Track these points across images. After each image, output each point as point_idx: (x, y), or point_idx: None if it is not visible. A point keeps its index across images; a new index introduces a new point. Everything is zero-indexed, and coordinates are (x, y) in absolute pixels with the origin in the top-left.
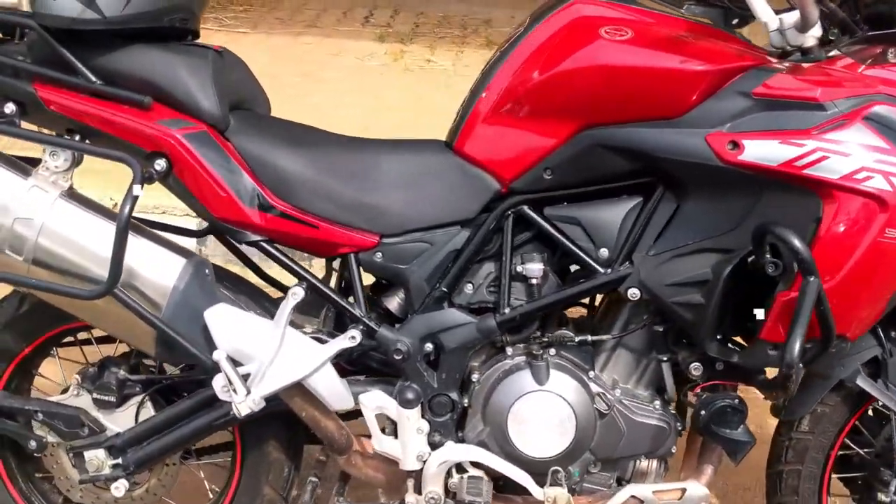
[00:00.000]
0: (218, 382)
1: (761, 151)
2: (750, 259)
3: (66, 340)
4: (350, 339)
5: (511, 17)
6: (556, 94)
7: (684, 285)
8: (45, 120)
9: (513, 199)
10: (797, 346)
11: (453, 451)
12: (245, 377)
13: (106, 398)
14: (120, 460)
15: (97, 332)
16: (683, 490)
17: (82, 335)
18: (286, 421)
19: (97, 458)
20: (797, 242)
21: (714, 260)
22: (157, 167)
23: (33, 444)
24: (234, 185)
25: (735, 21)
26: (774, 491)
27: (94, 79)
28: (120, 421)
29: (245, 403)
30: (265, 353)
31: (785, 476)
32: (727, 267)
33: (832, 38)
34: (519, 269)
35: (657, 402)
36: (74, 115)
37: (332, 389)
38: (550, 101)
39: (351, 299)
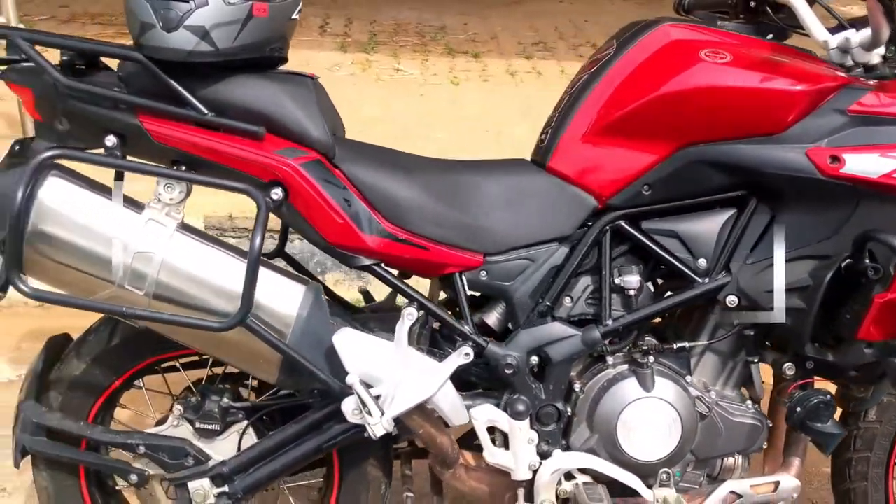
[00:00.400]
0: (349, 405)
1: (861, 165)
2: (845, 264)
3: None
4: (465, 356)
5: (464, 24)
6: (660, 114)
7: (785, 292)
8: (146, 152)
9: (610, 214)
10: None
11: (567, 459)
12: (376, 398)
13: (209, 427)
14: (227, 488)
15: (183, 360)
16: (777, 483)
17: (167, 364)
18: (382, 438)
19: (203, 487)
20: None
21: (813, 266)
22: (274, 196)
23: (135, 477)
24: (349, 212)
25: (770, 36)
26: (843, 478)
27: (205, 110)
28: (222, 449)
29: (380, 425)
30: (393, 374)
31: (854, 463)
32: (828, 272)
33: (889, 55)
34: (617, 281)
35: (749, 402)
36: (183, 146)
37: (453, 406)
38: (653, 120)
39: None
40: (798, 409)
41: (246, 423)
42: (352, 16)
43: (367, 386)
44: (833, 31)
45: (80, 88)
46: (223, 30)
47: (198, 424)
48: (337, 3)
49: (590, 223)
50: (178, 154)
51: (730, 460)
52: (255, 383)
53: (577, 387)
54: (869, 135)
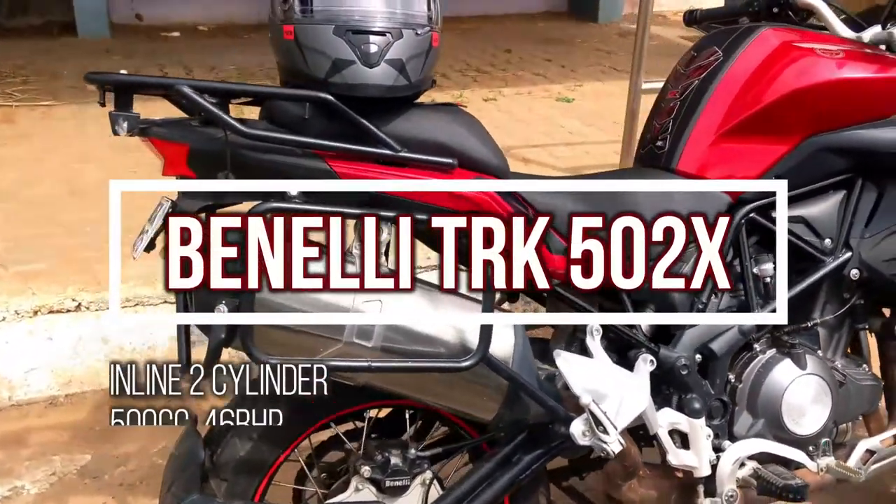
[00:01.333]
0: (578, 428)
1: None
2: None
3: None
4: (650, 363)
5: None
6: (788, 109)
7: None
8: (326, 197)
9: (744, 208)
10: None
11: (743, 447)
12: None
13: (399, 483)
14: None
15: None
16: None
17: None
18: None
19: None
20: None
21: None
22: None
23: None
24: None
25: None
26: None
27: (398, 147)
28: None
29: (616, 441)
30: (614, 390)
31: None
32: None
33: None
34: (755, 270)
35: (864, 366)
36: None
37: (653, 414)
38: (782, 116)
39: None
40: None
41: (430, 473)
42: (189, 64)
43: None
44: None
45: (268, 137)
46: (414, 62)
47: (388, 483)
48: (170, 54)
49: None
50: (370, 196)
51: (843, 425)
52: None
53: (731, 377)
54: None
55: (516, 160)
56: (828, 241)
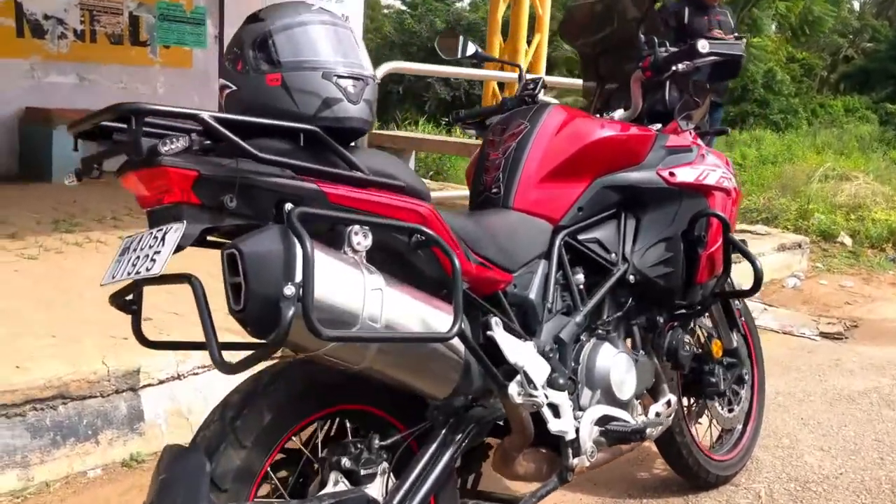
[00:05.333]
0: (514, 389)
1: (684, 175)
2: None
3: None
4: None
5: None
6: (580, 160)
7: (658, 264)
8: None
9: (562, 233)
10: None
11: (594, 412)
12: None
13: (373, 470)
14: None
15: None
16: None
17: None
18: None
19: None
20: (716, 211)
21: (669, 244)
22: (422, 237)
23: None
24: (460, 242)
25: None
26: None
27: (367, 171)
28: (374, 494)
29: (543, 396)
30: (529, 359)
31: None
32: (680, 244)
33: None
34: (574, 280)
35: (641, 351)
36: (354, 204)
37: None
38: (578, 164)
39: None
40: (673, 344)
41: (386, 464)
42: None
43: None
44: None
45: (280, 162)
46: (373, 105)
47: (363, 472)
48: None
49: (552, 241)
50: (347, 211)
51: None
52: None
53: (572, 362)
54: (677, 158)
55: None
56: (613, 255)
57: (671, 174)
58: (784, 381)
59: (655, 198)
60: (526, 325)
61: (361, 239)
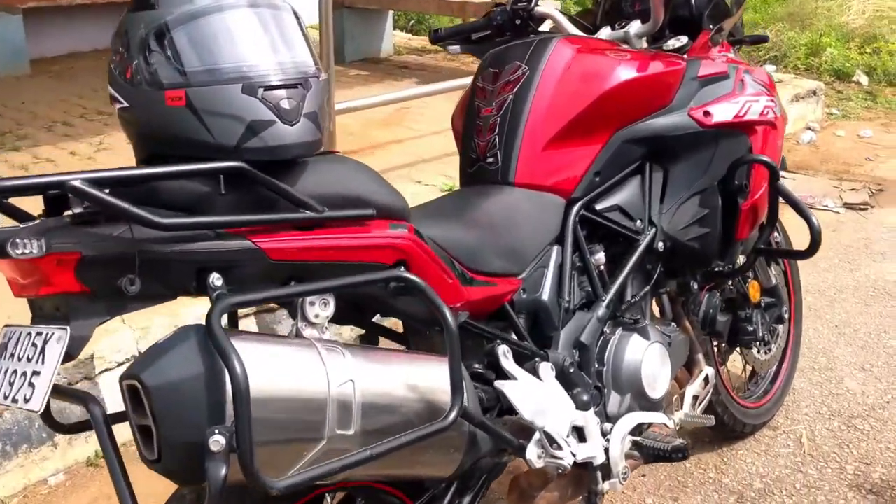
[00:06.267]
0: (533, 452)
1: (721, 113)
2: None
3: None
4: (551, 368)
5: None
6: (596, 112)
7: (692, 224)
8: (249, 277)
9: (576, 206)
10: None
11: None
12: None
13: None
14: None
15: None
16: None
17: None
18: None
19: None
20: (762, 157)
21: (703, 199)
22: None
23: None
24: (452, 269)
25: None
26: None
27: (319, 207)
28: None
29: (570, 454)
30: (550, 406)
31: None
32: (717, 198)
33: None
34: (593, 260)
35: (672, 324)
36: (306, 255)
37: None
38: (593, 118)
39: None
40: (711, 312)
41: None
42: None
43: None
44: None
45: (192, 224)
46: (320, 112)
47: None
48: None
49: (566, 219)
50: (295, 266)
51: None
52: None
53: (596, 365)
54: (712, 91)
55: None
56: (638, 222)
57: (706, 114)
58: (812, 275)
59: (687, 144)
60: (540, 336)
61: (320, 310)
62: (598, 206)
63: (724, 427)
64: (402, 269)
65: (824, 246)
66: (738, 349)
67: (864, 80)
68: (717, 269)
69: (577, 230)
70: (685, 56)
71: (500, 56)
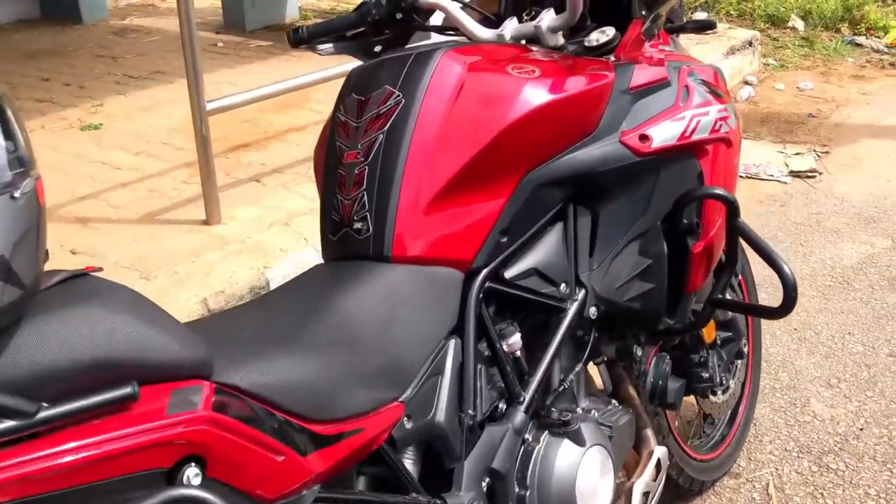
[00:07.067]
0: None
1: (663, 135)
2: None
3: None
4: None
5: None
6: (503, 151)
7: (630, 280)
8: None
9: (477, 279)
10: None
11: None
12: None
13: None
14: None
15: None
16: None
17: None
18: None
19: None
20: (719, 191)
21: (645, 245)
22: (192, 475)
23: None
24: (285, 440)
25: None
26: None
27: (31, 407)
28: None
29: None
30: None
31: None
32: (662, 244)
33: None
34: (505, 348)
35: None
36: (20, 492)
37: None
38: (497, 161)
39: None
40: (660, 384)
41: None
42: None
43: None
44: (493, 24)
45: None
46: (25, 248)
47: None
48: None
49: (465, 298)
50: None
51: None
52: None
53: (517, 489)
54: (650, 106)
55: (68, 222)
56: (563, 286)
57: (643, 138)
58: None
59: (620, 178)
60: (436, 476)
61: None
62: (509, 274)
63: (679, 488)
64: (189, 473)
65: (773, 226)
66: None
67: (800, 24)
68: (664, 329)
69: (483, 311)
70: (612, 59)
71: (365, 77)
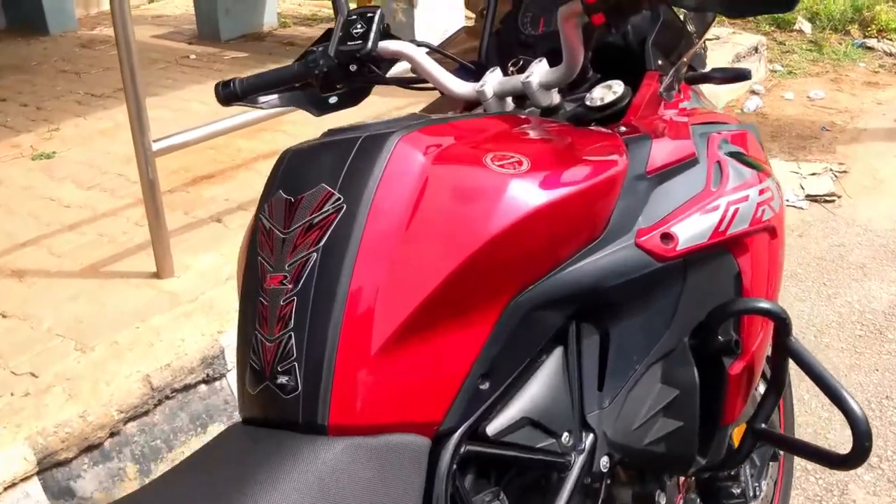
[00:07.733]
0: None
1: (690, 232)
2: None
3: None
4: None
5: None
6: (480, 274)
7: (652, 418)
8: None
9: (449, 444)
10: None
11: None
12: None
13: None
14: None
15: None
16: None
17: None
18: None
19: None
20: (765, 304)
21: (670, 370)
22: None
23: None
24: None
25: None
26: None
27: None
28: None
29: None
30: None
31: None
32: (692, 368)
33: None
34: None
35: None
36: None
37: None
38: (473, 286)
39: None
40: None
41: None
42: None
43: None
44: (472, 74)
45: None
46: None
47: None
48: None
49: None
50: None
51: None
52: None
53: None
54: (673, 194)
55: (4, 276)
56: (565, 435)
57: (666, 238)
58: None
59: (637, 289)
60: None
61: None
62: (493, 429)
63: None
64: None
65: (793, 261)
66: None
67: (807, 27)
68: (696, 469)
69: (459, 483)
70: (622, 129)
71: (295, 168)
